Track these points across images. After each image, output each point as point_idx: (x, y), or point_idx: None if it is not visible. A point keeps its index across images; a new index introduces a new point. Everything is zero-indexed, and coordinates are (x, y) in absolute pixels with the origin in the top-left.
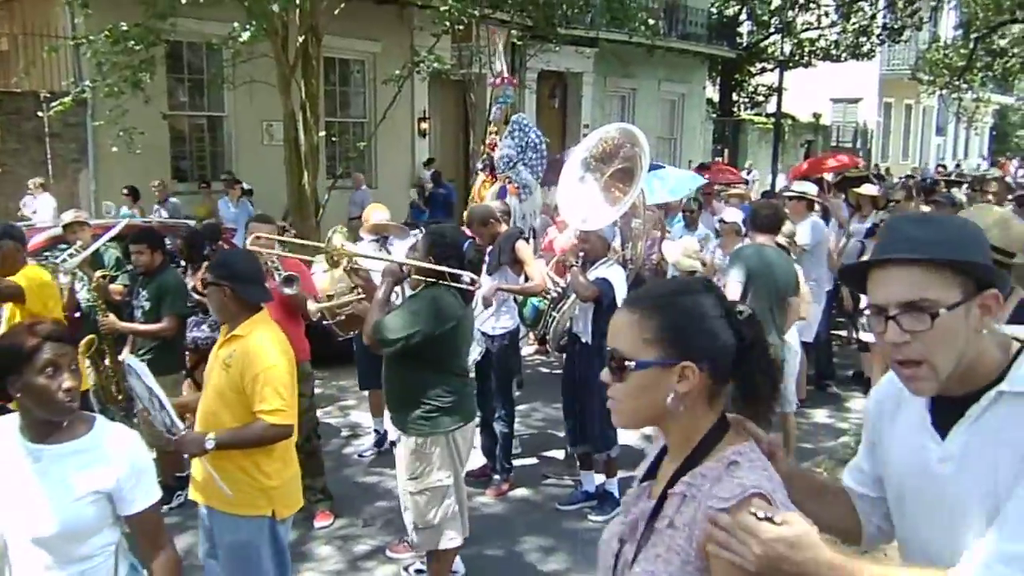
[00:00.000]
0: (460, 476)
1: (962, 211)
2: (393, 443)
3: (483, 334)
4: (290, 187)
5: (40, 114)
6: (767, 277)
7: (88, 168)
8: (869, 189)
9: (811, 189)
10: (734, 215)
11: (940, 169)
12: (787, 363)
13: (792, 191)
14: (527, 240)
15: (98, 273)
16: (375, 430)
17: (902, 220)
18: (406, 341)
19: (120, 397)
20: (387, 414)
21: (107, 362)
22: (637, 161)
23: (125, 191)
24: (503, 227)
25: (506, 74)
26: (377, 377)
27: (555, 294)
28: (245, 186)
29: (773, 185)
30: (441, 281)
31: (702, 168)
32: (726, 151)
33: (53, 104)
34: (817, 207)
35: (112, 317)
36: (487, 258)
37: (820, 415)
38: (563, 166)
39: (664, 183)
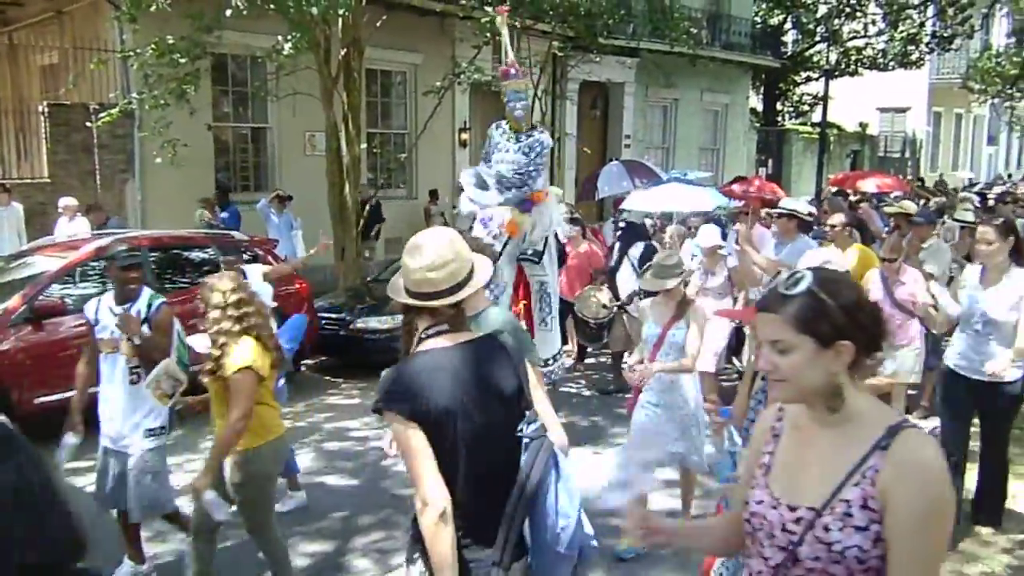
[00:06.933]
0: None
1: None
2: None
3: None
4: (331, 197)
5: (88, 124)
6: None
7: (135, 179)
8: (908, 206)
9: (801, 207)
10: (711, 236)
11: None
12: None
13: (781, 208)
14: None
15: None
16: None
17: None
18: None
19: None
20: None
21: None
22: None
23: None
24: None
25: (511, 59)
26: None
27: None
28: (281, 193)
29: (818, 196)
30: None
31: (741, 180)
32: (770, 161)
33: (101, 115)
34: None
35: None
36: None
37: None
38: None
39: (689, 191)
